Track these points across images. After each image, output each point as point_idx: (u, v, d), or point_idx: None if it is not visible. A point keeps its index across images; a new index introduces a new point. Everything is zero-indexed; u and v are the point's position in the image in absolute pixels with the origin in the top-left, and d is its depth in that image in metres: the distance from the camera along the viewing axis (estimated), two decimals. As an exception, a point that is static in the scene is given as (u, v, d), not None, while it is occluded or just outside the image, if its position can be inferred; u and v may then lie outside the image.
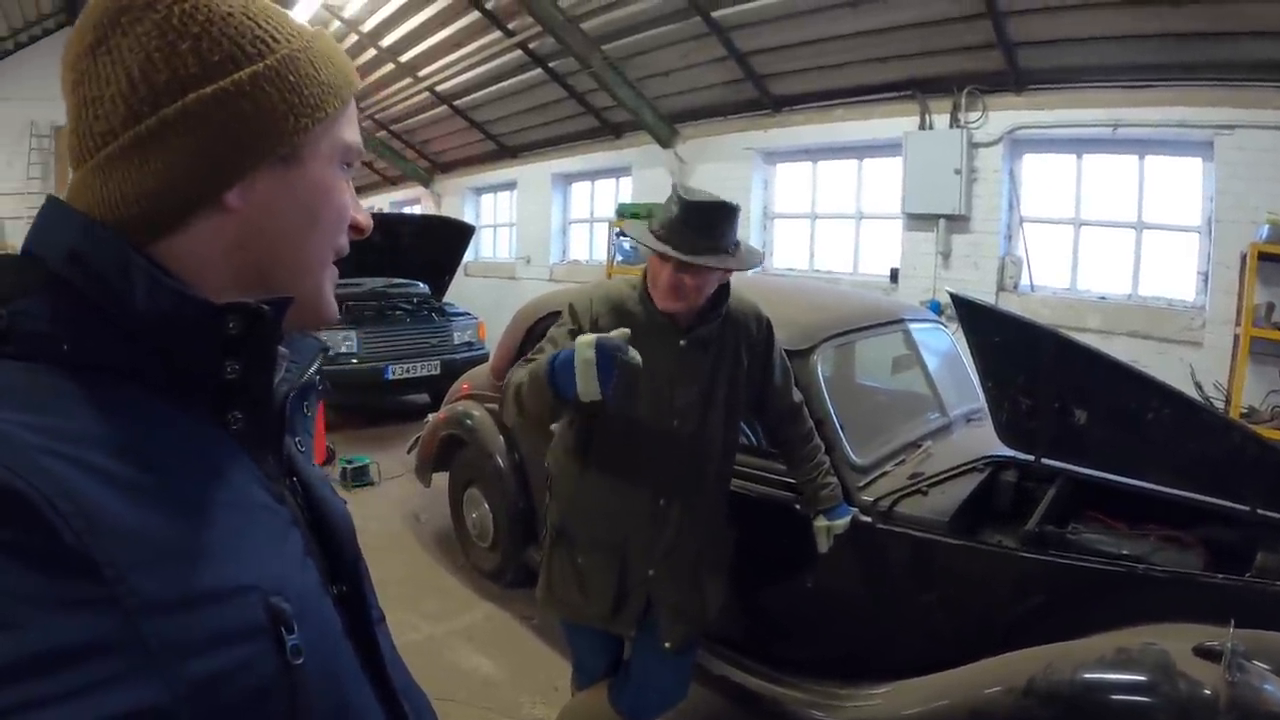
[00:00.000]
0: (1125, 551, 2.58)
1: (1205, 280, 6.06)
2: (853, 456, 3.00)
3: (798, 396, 2.78)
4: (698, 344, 2.45)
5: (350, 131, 0.83)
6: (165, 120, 0.70)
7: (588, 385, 2.07)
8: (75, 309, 0.68)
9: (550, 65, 9.86)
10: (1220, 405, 5.52)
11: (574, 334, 2.38)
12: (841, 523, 2.74)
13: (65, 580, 0.55)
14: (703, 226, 2.31)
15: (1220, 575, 2.37)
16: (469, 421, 4.68)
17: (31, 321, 0.66)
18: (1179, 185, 6.31)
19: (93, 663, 0.54)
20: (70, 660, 0.53)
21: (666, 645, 2.51)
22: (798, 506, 2.86)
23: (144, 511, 0.61)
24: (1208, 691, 1.91)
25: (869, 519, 2.85)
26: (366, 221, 0.88)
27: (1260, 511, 2.53)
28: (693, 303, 2.38)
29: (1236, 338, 5.45)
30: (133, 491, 0.61)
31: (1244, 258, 5.40)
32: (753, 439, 3.25)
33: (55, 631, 0.53)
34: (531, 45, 9.53)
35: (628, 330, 2.13)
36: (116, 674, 0.55)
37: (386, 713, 0.86)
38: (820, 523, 2.73)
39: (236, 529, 0.70)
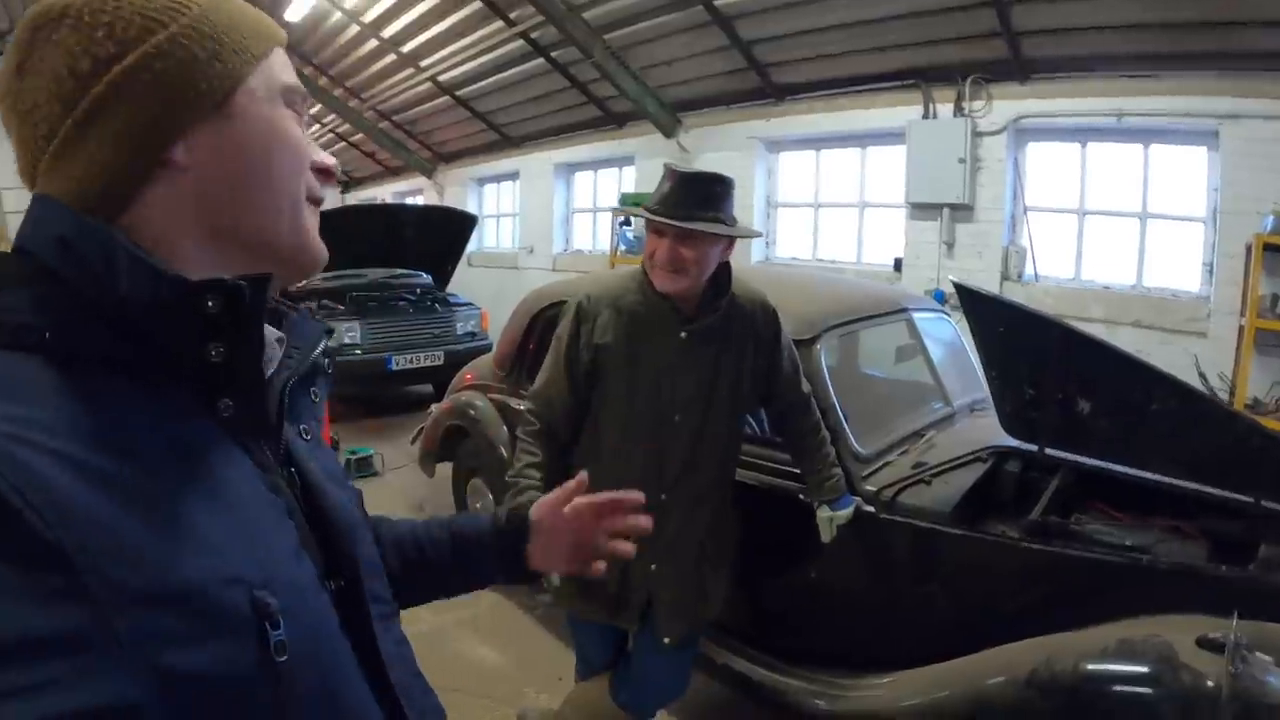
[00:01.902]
0: (1128, 543, 2.58)
1: (1210, 271, 6.04)
2: (856, 446, 3.00)
3: (806, 387, 2.75)
4: (700, 335, 2.41)
5: (286, 74, 0.83)
6: (96, 99, 0.71)
7: None
8: (58, 298, 0.68)
9: (552, 55, 9.82)
10: (1224, 396, 5.52)
11: (573, 344, 2.45)
12: (845, 513, 2.73)
13: (35, 571, 0.54)
14: (697, 196, 2.28)
15: (1224, 567, 2.37)
16: (472, 412, 4.67)
17: (11, 312, 0.66)
18: (1184, 175, 6.28)
19: (62, 655, 0.54)
20: (39, 652, 0.53)
21: (666, 641, 2.50)
22: (801, 496, 2.86)
23: (119, 502, 0.60)
24: (1210, 683, 1.91)
25: (872, 509, 2.85)
26: (331, 161, 0.88)
27: (1264, 503, 2.53)
28: (693, 280, 2.34)
29: (1241, 329, 5.45)
30: (108, 482, 0.61)
31: (1249, 248, 5.40)
32: (756, 428, 3.25)
33: (24, 623, 0.53)
34: (533, 35, 9.50)
35: None
36: (87, 667, 0.55)
37: (385, 710, 0.85)
38: (824, 513, 2.73)
39: (219, 520, 0.69)
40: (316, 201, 0.86)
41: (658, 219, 2.27)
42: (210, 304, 0.71)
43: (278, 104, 0.81)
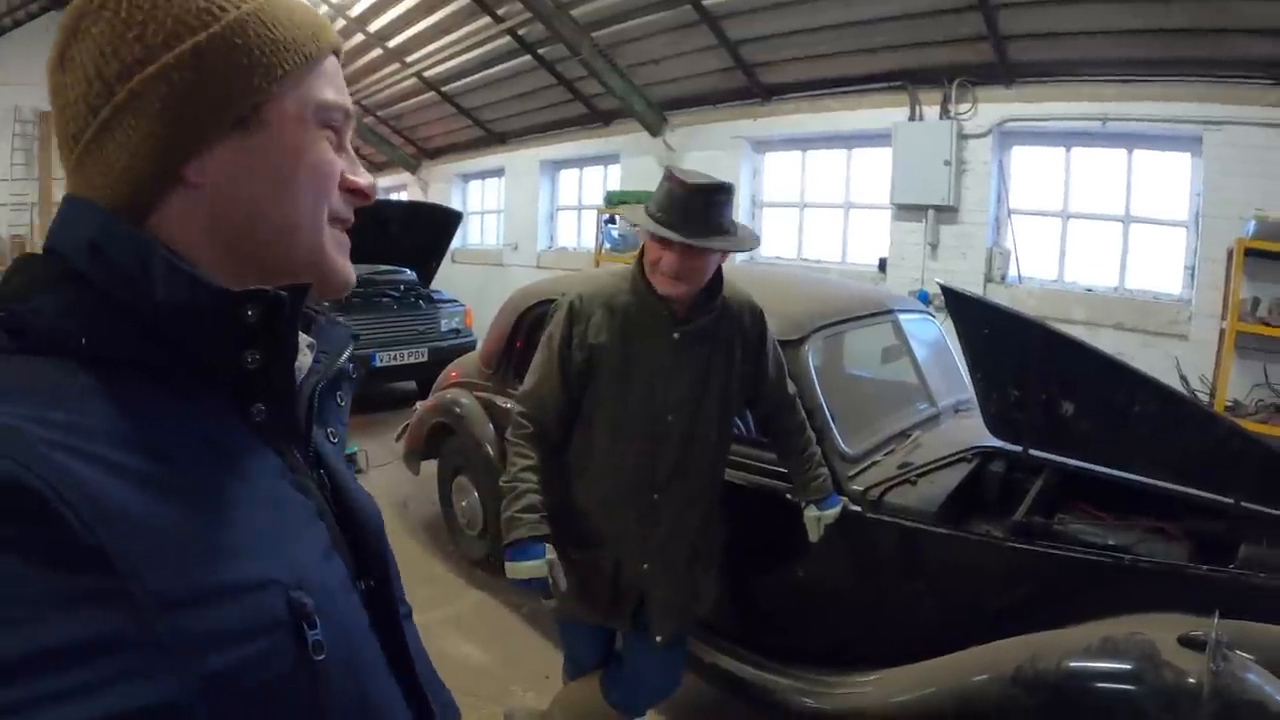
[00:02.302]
0: (1111, 542, 2.60)
1: (1192, 274, 6.11)
2: (843, 446, 3.02)
3: (792, 388, 2.77)
4: (692, 337, 2.42)
5: (326, 90, 0.80)
6: (117, 105, 0.70)
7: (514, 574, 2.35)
8: (92, 302, 0.67)
9: (539, 52, 9.81)
10: (1205, 399, 5.57)
11: (565, 344, 2.44)
12: (832, 513, 2.75)
13: (78, 575, 0.54)
14: (704, 208, 2.26)
15: (1205, 567, 2.40)
16: (458, 409, 4.66)
17: (46, 316, 0.66)
18: (1167, 180, 6.35)
19: (106, 658, 0.54)
20: (83, 655, 0.53)
21: (658, 640, 2.50)
22: (788, 496, 2.87)
23: (158, 505, 0.60)
24: (1192, 680, 1.94)
25: (858, 508, 2.87)
26: (367, 184, 0.84)
27: (1244, 504, 2.56)
28: (696, 286, 2.34)
29: (1222, 332, 5.50)
30: (147, 485, 0.60)
31: (1230, 253, 5.45)
32: (743, 428, 3.26)
33: (68, 626, 0.53)
34: (521, 31, 9.48)
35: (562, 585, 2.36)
36: (130, 669, 0.54)
37: (412, 708, 0.86)
38: (811, 512, 2.74)
39: (256, 522, 0.69)
40: (343, 222, 0.84)
41: (672, 236, 2.24)
42: (250, 313, 0.71)
43: (308, 123, 0.78)
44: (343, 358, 0.90)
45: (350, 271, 0.85)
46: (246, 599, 0.64)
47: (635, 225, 2.38)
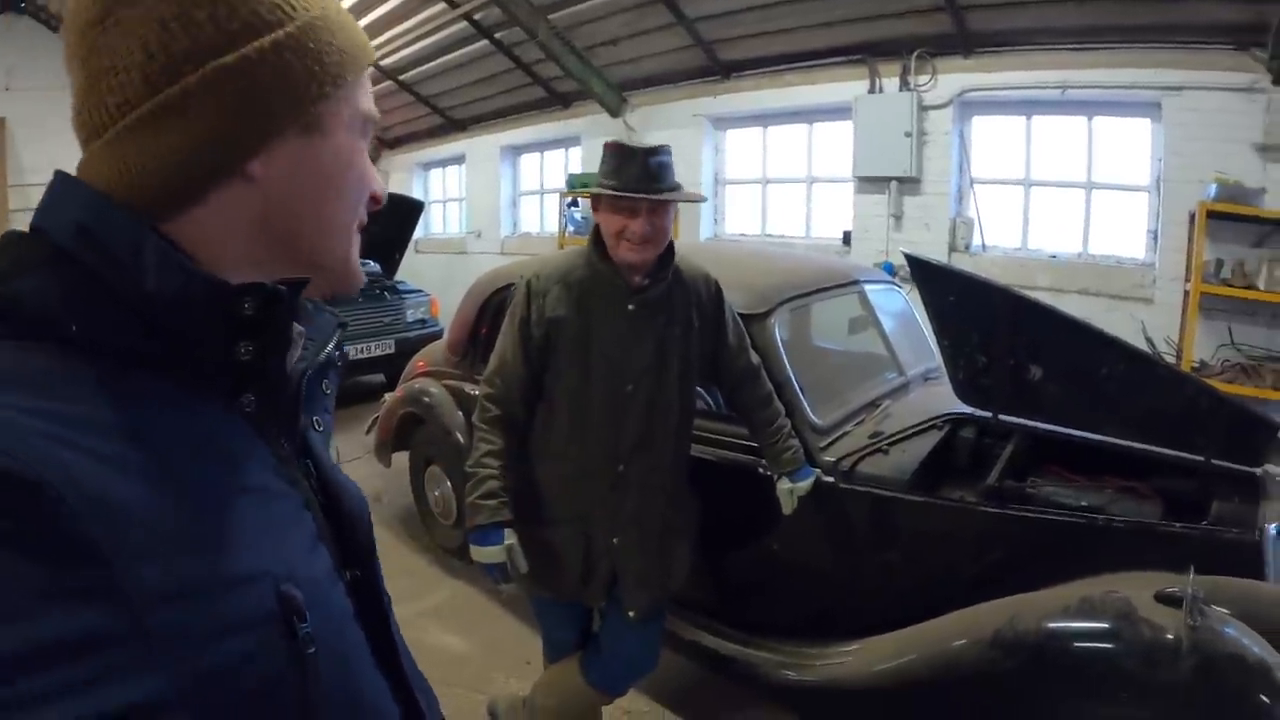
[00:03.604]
0: (1084, 503, 2.62)
1: (1155, 238, 6.17)
2: (813, 418, 3.01)
3: (755, 359, 2.76)
4: (647, 306, 2.43)
5: (367, 100, 0.82)
6: (187, 90, 0.67)
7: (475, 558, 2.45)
8: (84, 288, 0.65)
9: (496, 36, 9.70)
10: (1171, 360, 5.63)
11: (525, 322, 2.46)
12: (805, 484, 2.74)
13: (68, 569, 0.53)
14: (659, 169, 2.33)
15: (1178, 524, 2.42)
16: (427, 399, 4.61)
17: (37, 300, 0.64)
18: (1128, 146, 6.39)
19: (96, 654, 0.52)
20: (73, 651, 0.51)
21: (630, 614, 2.50)
22: (761, 469, 2.86)
23: (150, 498, 0.59)
24: (1170, 636, 1.95)
25: (831, 479, 2.87)
26: (383, 191, 0.87)
27: (1214, 461, 2.59)
28: (659, 248, 2.38)
29: (1186, 294, 5.57)
30: (139, 478, 0.59)
31: (1192, 216, 5.51)
32: (711, 403, 3.24)
33: (58, 622, 0.51)
34: (477, 16, 9.36)
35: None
36: (120, 665, 0.53)
37: (398, 699, 0.85)
38: (784, 485, 2.73)
39: (246, 514, 0.68)
40: (362, 227, 0.86)
41: (638, 195, 2.29)
42: (247, 306, 0.70)
43: (356, 130, 0.81)
44: (330, 345, 0.90)
45: (363, 274, 0.89)
46: (237, 592, 0.64)
47: (595, 193, 2.38)
